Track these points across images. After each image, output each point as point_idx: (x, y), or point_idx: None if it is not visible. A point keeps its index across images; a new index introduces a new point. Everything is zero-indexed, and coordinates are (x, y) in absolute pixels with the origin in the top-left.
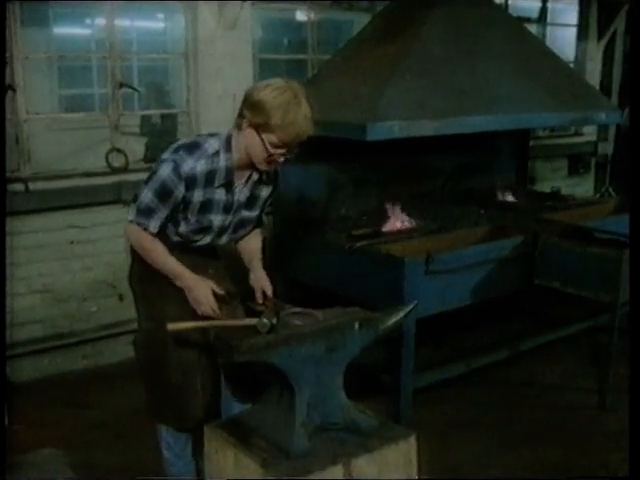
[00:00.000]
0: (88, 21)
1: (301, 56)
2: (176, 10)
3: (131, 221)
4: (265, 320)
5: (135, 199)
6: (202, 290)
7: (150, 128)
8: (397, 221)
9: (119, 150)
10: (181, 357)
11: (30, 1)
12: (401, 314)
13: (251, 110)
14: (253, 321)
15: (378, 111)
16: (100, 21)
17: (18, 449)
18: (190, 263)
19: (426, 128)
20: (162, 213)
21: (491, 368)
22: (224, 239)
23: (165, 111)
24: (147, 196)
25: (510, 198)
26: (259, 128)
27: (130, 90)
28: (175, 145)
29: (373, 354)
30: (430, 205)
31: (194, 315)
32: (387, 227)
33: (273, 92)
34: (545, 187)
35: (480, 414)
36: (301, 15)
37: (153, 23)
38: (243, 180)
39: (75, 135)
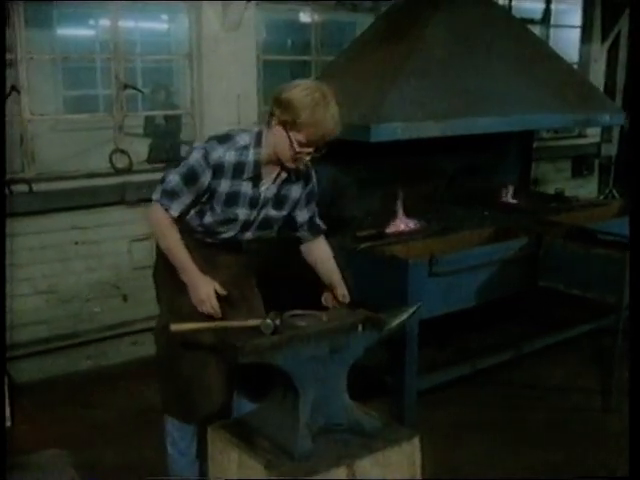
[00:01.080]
0: (92, 22)
1: (305, 57)
2: (180, 11)
3: (155, 201)
4: (269, 321)
5: (162, 181)
6: (204, 288)
7: (154, 129)
8: (401, 222)
9: (123, 151)
10: (194, 352)
11: (33, 1)
12: (405, 315)
13: (280, 107)
14: (257, 322)
15: (382, 112)
16: (104, 22)
17: (22, 450)
18: (212, 259)
19: (430, 129)
20: (186, 198)
21: (495, 369)
22: (248, 235)
23: (169, 112)
24: (174, 179)
25: (514, 199)
26: (287, 125)
27: (134, 91)
28: (208, 137)
29: (377, 355)
30: (434, 206)
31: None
32: (391, 228)
33: (303, 91)
34: (549, 189)
35: (484, 415)
36: (305, 16)
37: (157, 24)
38: (272, 178)
39: (79, 136)
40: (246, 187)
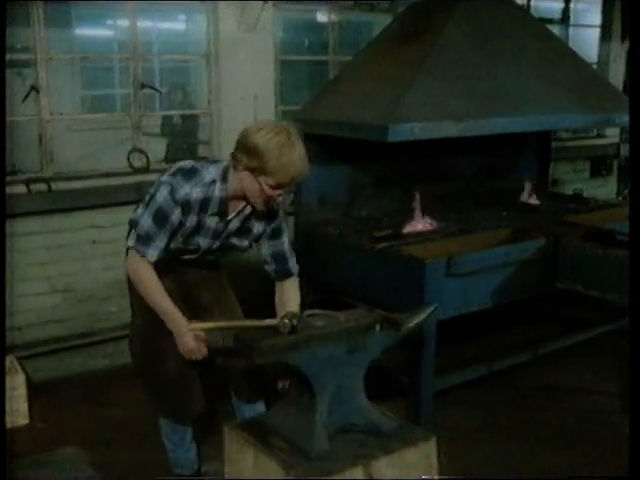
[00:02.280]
0: (110, 22)
1: (322, 57)
2: (197, 11)
3: (131, 248)
4: (286, 321)
5: (135, 224)
6: (192, 340)
7: (171, 129)
8: (418, 223)
9: (140, 150)
10: (177, 351)
11: (49, 1)
12: (422, 316)
13: (246, 154)
14: (274, 322)
15: (399, 112)
16: (122, 22)
17: (40, 448)
18: (179, 263)
19: (448, 129)
20: (160, 241)
21: (512, 371)
22: (211, 257)
23: (186, 112)
24: (146, 222)
25: (532, 200)
26: (255, 171)
27: (152, 91)
28: (175, 167)
29: (393, 356)
30: (452, 207)
31: (191, 312)
32: (408, 229)
33: (267, 135)
34: (567, 189)
35: (500, 417)
36: (322, 16)
37: (174, 24)
38: (236, 211)
39: (97, 135)
40: (211, 221)
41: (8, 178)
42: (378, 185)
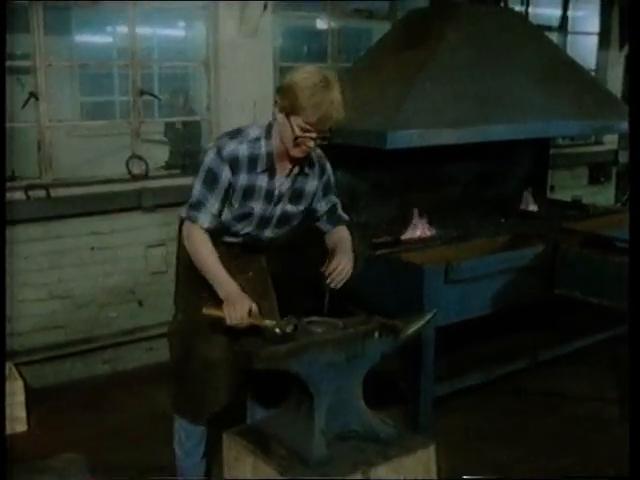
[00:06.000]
0: (109, 29)
1: (321, 64)
2: (197, 18)
3: (184, 217)
4: (278, 330)
5: (189, 196)
6: (239, 307)
7: (174, 135)
8: (417, 229)
9: (139, 157)
10: (207, 353)
11: (46, 0)
12: (421, 322)
13: (281, 94)
14: (272, 323)
15: (398, 119)
16: (122, 29)
17: (39, 454)
18: (227, 264)
19: (446, 136)
20: (211, 205)
21: (511, 377)
22: (267, 232)
23: (185, 118)
24: (196, 189)
25: (530, 207)
26: (287, 111)
27: (151, 97)
28: (220, 135)
29: (392, 362)
30: (450, 213)
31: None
32: (407, 235)
33: (302, 75)
34: (565, 196)
35: (499, 423)
36: (321, 23)
37: (174, 31)
38: (286, 172)
39: (96, 142)
40: (261, 180)
41: (7, 184)
42: (376, 192)
